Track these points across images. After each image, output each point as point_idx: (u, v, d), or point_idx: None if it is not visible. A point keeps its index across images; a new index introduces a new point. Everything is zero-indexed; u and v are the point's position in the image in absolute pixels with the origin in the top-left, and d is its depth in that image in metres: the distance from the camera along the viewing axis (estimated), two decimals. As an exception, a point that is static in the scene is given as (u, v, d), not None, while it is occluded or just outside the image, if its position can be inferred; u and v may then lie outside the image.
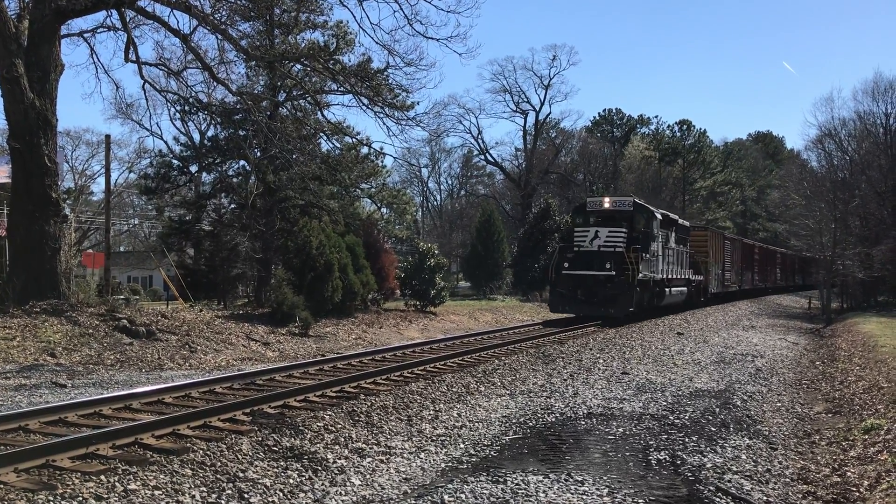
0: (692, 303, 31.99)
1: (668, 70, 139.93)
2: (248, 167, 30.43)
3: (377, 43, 26.91)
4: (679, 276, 28.60)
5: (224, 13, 20.18)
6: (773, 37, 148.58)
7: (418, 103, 35.22)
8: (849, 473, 7.98)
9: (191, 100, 28.53)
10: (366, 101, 22.88)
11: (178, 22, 22.31)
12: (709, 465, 7.83)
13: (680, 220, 30.48)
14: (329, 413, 8.64)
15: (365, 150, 31.72)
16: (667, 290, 26.44)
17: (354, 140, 29.74)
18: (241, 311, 23.05)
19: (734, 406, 11.29)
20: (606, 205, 24.75)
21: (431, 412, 9.61)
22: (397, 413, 9.28)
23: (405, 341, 19.96)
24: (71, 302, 16.97)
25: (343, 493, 6.51)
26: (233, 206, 31.43)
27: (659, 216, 25.60)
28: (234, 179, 31.34)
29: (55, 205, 17.78)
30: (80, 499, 5.48)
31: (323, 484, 6.64)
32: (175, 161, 32.13)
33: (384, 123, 23.28)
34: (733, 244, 41.31)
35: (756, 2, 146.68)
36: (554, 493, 6.59)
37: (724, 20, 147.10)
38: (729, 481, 7.37)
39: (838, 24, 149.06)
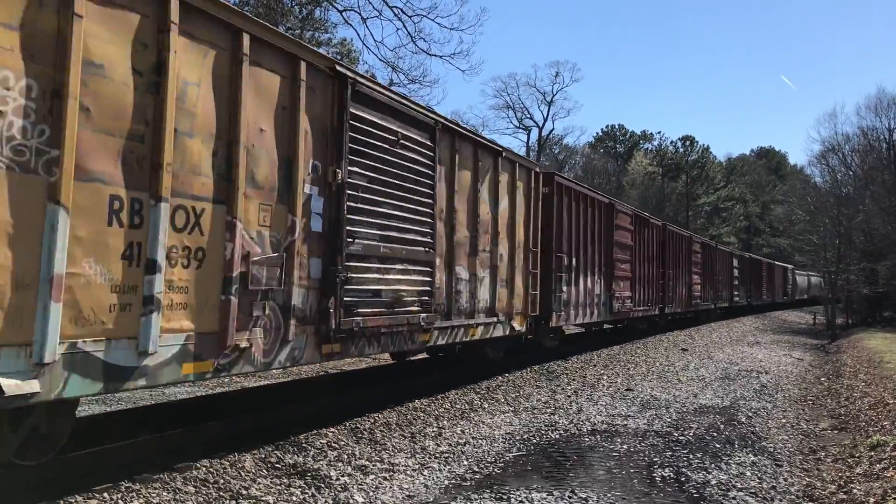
0: None
1: (671, 86, 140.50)
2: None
3: (381, 60, 27.18)
4: None
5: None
6: (775, 52, 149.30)
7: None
8: (855, 490, 7.93)
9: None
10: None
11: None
12: (713, 482, 7.79)
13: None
14: (332, 430, 8.63)
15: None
16: None
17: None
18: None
19: (739, 422, 11.25)
20: None
21: (435, 429, 9.59)
22: (400, 430, 9.27)
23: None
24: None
25: (346, 510, 6.49)
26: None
27: None
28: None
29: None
30: (83, 516, 5.47)
31: (326, 501, 6.62)
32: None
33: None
34: (558, 197, 16.16)
35: (757, 17, 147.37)
36: (558, 511, 6.56)
37: (726, 36, 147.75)
38: (734, 498, 7.33)
39: (840, 38, 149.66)
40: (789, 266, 59.95)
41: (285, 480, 6.94)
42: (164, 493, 6.10)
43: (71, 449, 6.93)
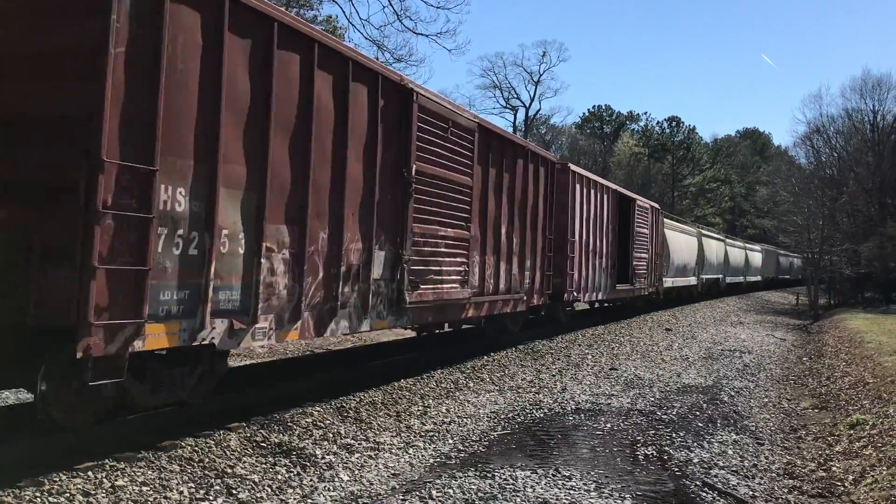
0: None
1: (658, 66, 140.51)
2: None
3: (367, 39, 26.94)
4: None
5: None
6: (761, 32, 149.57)
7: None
8: (834, 468, 8.05)
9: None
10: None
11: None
12: (695, 460, 7.88)
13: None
14: (318, 409, 8.64)
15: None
16: None
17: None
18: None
19: (721, 402, 11.36)
20: None
21: (420, 408, 9.63)
22: (386, 409, 9.30)
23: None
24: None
25: (331, 488, 6.51)
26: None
27: None
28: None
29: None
30: (68, 495, 5.46)
31: (311, 480, 6.64)
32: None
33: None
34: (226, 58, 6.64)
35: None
36: (542, 488, 6.62)
37: (713, 16, 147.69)
38: (715, 476, 7.42)
39: (827, 20, 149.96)
40: (654, 205, 27.74)
41: (271, 459, 6.95)
42: (149, 472, 6.09)
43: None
